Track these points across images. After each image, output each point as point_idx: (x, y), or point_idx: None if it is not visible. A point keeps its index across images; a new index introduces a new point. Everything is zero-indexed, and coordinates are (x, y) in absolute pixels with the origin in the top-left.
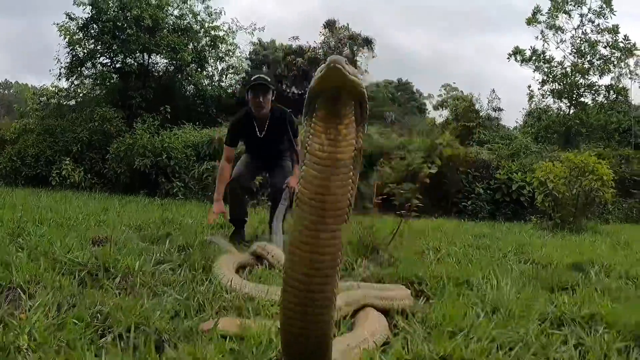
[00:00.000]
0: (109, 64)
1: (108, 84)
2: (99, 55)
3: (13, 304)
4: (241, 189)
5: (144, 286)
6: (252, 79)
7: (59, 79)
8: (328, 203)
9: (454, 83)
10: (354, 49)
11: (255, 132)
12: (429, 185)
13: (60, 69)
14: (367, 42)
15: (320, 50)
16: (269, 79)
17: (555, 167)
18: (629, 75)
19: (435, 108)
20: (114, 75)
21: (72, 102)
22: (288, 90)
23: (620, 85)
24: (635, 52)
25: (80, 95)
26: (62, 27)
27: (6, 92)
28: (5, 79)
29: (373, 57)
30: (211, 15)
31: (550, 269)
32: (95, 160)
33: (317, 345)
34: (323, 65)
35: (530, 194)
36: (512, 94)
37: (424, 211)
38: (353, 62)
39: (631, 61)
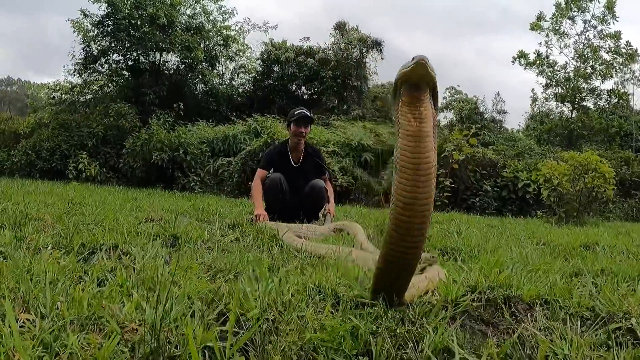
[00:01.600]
0: (121, 61)
1: (121, 81)
2: (111, 52)
3: (114, 258)
4: (280, 190)
5: (224, 250)
6: (295, 112)
7: (73, 75)
8: (422, 165)
9: (459, 86)
10: (363, 51)
11: (290, 162)
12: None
13: (74, 65)
14: (377, 44)
15: (330, 52)
16: (310, 114)
17: (560, 165)
18: (633, 81)
19: (440, 110)
20: (125, 72)
21: (86, 98)
22: (299, 91)
23: (622, 90)
24: (636, 57)
25: (93, 91)
26: (76, 24)
27: (9, 89)
28: (8, 76)
29: (382, 59)
30: (224, 14)
31: (561, 247)
32: (110, 155)
33: (409, 271)
34: (409, 61)
35: (535, 192)
36: (513, 98)
37: (435, 206)
38: (362, 64)
39: (636, 67)
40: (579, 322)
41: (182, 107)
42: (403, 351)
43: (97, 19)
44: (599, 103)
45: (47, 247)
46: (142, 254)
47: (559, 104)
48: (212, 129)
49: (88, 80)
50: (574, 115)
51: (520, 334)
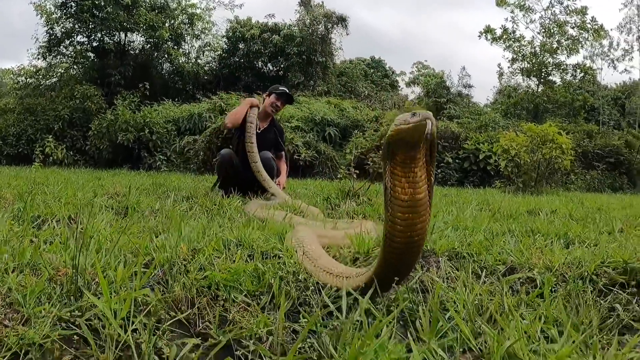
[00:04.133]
0: (85, 42)
1: (86, 63)
2: (76, 34)
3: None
4: (230, 165)
5: (170, 218)
6: (280, 88)
7: (37, 58)
8: (413, 237)
9: (426, 61)
10: (329, 27)
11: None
12: None
13: (38, 48)
14: (341, 20)
15: (295, 28)
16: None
17: (518, 137)
18: (602, 56)
19: (408, 85)
20: (90, 54)
21: (51, 82)
22: (264, 68)
23: (588, 65)
24: (602, 33)
25: (58, 74)
26: (39, 7)
27: None
28: None
29: (347, 34)
30: None
31: (505, 212)
32: (76, 138)
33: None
34: (409, 116)
35: (496, 163)
36: (481, 73)
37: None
38: (327, 40)
39: (605, 42)
40: (483, 273)
41: (148, 87)
42: (304, 294)
43: (60, 1)
44: (565, 77)
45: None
46: (89, 220)
47: (526, 78)
48: (178, 107)
49: (53, 63)
50: (540, 89)
51: (421, 280)
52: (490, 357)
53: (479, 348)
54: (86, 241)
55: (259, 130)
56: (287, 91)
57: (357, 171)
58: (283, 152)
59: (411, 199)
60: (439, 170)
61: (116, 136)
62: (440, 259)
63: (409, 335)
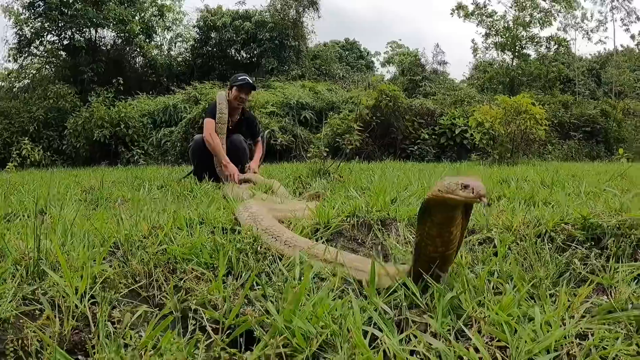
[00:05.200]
0: (56, 41)
1: (58, 62)
2: (46, 33)
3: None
4: (203, 150)
5: (142, 204)
6: (239, 77)
7: (8, 61)
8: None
9: (400, 40)
10: (300, 11)
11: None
12: (374, 128)
13: (9, 51)
14: (312, 3)
15: (266, 14)
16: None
17: (492, 110)
18: (575, 27)
19: (383, 65)
20: (61, 52)
21: (23, 83)
22: (237, 55)
23: (562, 37)
24: (573, 4)
25: (30, 75)
26: (6, 8)
27: None
28: None
29: (319, 17)
30: None
31: None
32: (52, 138)
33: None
34: (458, 187)
35: (472, 137)
36: (456, 49)
37: (373, 157)
38: (299, 24)
39: (578, 13)
40: None
41: (122, 82)
42: (262, 264)
43: (28, 1)
44: (539, 50)
45: None
46: (59, 211)
47: (500, 53)
48: (153, 100)
49: (24, 64)
50: (515, 63)
51: (383, 246)
52: (435, 311)
53: (426, 303)
54: (53, 227)
55: (230, 127)
56: (247, 79)
57: (327, 149)
58: (259, 138)
59: (441, 255)
60: (415, 147)
61: (92, 133)
62: (399, 224)
63: (350, 292)
